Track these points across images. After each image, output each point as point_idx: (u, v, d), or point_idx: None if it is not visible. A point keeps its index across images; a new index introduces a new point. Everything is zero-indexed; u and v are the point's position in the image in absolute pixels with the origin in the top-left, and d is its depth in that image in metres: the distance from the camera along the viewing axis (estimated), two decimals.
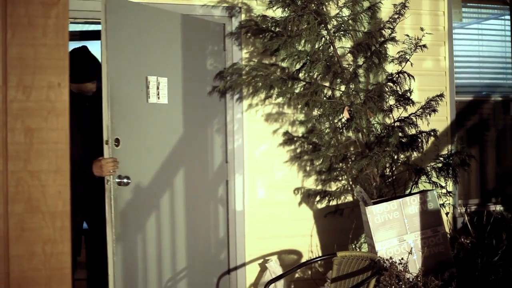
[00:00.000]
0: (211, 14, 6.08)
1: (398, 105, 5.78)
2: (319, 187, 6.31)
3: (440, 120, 6.50)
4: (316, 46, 5.66)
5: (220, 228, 6.11)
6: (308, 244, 6.32)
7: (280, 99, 6.14)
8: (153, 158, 5.43)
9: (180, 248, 5.68)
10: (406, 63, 5.70)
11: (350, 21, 5.69)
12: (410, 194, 5.52)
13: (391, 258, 4.98)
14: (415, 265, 5.17)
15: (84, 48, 5.18)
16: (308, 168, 6.30)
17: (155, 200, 5.50)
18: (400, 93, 5.77)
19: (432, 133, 5.75)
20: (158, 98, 5.41)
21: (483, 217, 6.25)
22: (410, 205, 5.24)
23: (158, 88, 5.40)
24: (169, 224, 5.59)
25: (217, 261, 6.08)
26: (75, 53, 5.04)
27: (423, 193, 5.33)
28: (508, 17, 7.25)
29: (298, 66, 5.77)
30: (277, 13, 5.81)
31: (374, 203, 5.29)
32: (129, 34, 5.23)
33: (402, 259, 4.97)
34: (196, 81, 5.90)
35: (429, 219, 5.27)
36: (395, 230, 5.19)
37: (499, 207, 6.91)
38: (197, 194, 5.90)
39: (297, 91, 5.88)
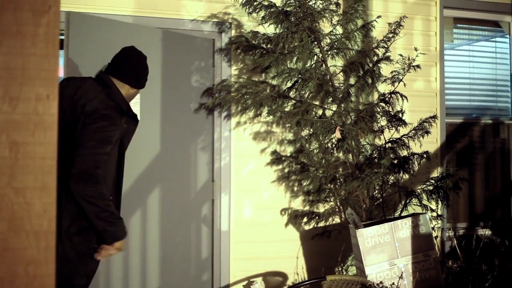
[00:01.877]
0: (200, 29, 5.98)
1: (390, 125, 5.68)
2: (307, 208, 6.19)
3: (431, 142, 6.43)
4: (308, 64, 5.56)
5: (204, 248, 5.97)
6: (294, 266, 6.19)
7: (269, 118, 6.03)
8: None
9: (153, 268, 5.56)
10: (399, 83, 5.61)
11: (343, 39, 5.59)
12: (401, 217, 5.42)
13: (381, 282, 4.86)
14: None
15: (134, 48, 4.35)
16: (295, 189, 6.19)
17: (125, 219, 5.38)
18: (392, 113, 5.67)
19: (425, 155, 5.65)
20: None
21: (471, 241, 6.18)
22: (402, 228, 5.13)
23: None
24: (141, 243, 5.47)
25: (200, 282, 5.93)
26: (134, 51, 4.23)
27: (415, 216, 5.23)
28: (499, 39, 7.21)
29: (289, 84, 5.67)
30: (268, 29, 5.71)
31: (365, 226, 5.18)
32: (96, 49, 5.08)
33: (393, 283, 4.86)
34: (179, 98, 5.79)
35: (421, 243, 5.16)
36: (386, 254, 5.08)
37: (487, 231, 6.83)
38: (178, 213, 5.77)
39: (287, 109, 5.77)
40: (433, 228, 5.72)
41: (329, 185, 5.86)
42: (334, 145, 5.64)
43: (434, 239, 5.28)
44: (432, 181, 5.81)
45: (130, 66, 4.14)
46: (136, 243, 5.48)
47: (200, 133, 5.94)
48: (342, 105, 5.63)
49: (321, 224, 6.13)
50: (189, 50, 5.87)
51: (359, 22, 5.77)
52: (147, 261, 5.62)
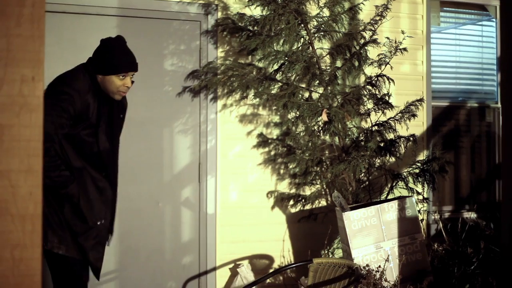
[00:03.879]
0: (186, 11, 5.93)
1: (376, 108, 5.67)
2: (293, 190, 6.18)
3: (417, 125, 6.43)
4: (295, 47, 5.54)
5: (190, 231, 5.95)
6: (281, 249, 6.19)
7: (255, 100, 6.01)
8: None
9: (139, 251, 5.56)
10: (385, 66, 5.59)
11: (330, 22, 5.56)
12: (388, 200, 5.42)
13: (367, 265, 4.86)
14: (392, 273, 5.06)
15: (122, 37, 4.43)
16: (282, 171, 6.17)
17: None
18: (378, 96, 5.66)
19: (411, 138, 5.65)
20: None
21: (457, 224, 6.19)
22: (388, 211, 5.13)
23: None
24: (127, 226, 5.45)
25: (186, 265, 5.92)
26: (113, 40, 4.34)
27: (401, 199, 5.23)
28: (486, 22, 7.21)
29: (275, 67, 5.64)
30: (255, 11, 5.67)
31: (351, 209, 5.17)
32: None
33: (379, 266, 4.86)
34: (164, 80, 5.78)
35: (407, 226, 5.17)
36: (372, 237, 5.08)
37: (472, 214, 6.85)
38: (163, 196, 5.77)
39: (273, 92, 5.75)
40: (419, 211, 5.73)
41: (315, 168, 5.85)
42: (320, 128, 5.63)
43: (420, 222, 5.29)
44: (418, 164, 5.82)
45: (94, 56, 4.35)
46: (123, 225, 5.47)
47: (185, 116, 5.91)
48: (329, 87, 5.61)
49: (308, 207, 6.12)
50: (174, 33, 5.84)
51: (346, 5, 5.75)
52: (133, 243, 5.60)
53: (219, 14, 6.02)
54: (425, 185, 5.72)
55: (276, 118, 6.16)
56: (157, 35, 5.83)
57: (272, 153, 6.16)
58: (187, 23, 5.93)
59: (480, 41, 7.23)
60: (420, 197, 5.91)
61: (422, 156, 6.55)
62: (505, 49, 3.59)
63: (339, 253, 6.01)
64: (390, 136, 5.66)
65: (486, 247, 5.52)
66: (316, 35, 5.58)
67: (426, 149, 6.63)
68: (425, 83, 6.67)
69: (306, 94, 5.79)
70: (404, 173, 5.79)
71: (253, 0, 5.41)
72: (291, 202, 6.13)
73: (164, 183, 5.85)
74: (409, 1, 6.69)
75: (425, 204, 6.25)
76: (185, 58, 5.94)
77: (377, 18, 5.55)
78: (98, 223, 4.20)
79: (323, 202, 6.21)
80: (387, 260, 5.03)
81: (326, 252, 5.95)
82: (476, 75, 7.22)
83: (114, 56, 4.22)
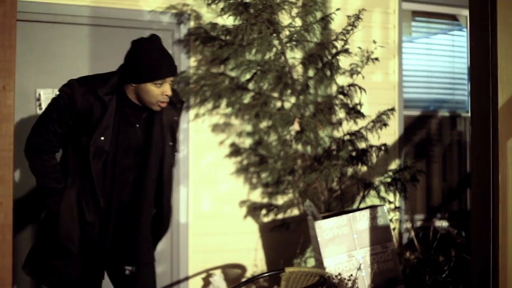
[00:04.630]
0: (159, 20, 5.92)
1: (348, 118, 5.70)
2: (265, 200, 6.19)
3: (389, 134, 6.46)
4: (267, 56, 5.55)
5: (163, 240, 5.92)
6: (253, 258, 6.19)
7: (228, 110, 6.01)
8: None
9: None
10: (357, 75, 5.62)
11: (302, 32, 5.58)
12: (360, 209, 5.43)
13: (340, 274, 4.87)
14: (364, 282, 5.07)
15: (157, 37, 3.93)
16: (254, 181, 6.18)
17: None
18: (350, 106, 5.68)
19: (383, 148, 5.67)
20: None
21: (428, 232, 6.22)
22: (360, 220, 5.15)
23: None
24: None
25: (159, 274, 5.89)
26: (145, 41, 3.86)
27: (373, 208, 5.25)
28: (457, 32, 7.28)
29: (248, 76, 5.65)
30: (228, 21, 5.68)
31: (323, 218, 5.18)
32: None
33: (351, 275, 4.87)
34: None
35: (379, 235, 5.19)
36: (344, 246, 5.09)
37: (444, 223, 6.89)
38: None
39: (246, 101, 5.75)
40: (391, 220, 5.75)
41: (287, 177, 5.86)
42: (292, 137, 5.64)
43: (392, 230, 5.31)
44: (390, 173, 5.84)
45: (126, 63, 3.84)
46: None
47: None
48: (301, 97, 5.63)
49: (280, 216, 6.13)
50: None
51: (318, 15, 5.76)
52: None
53: (192, 24, 6.02)
54: (397, 194, 5.75)
55: (249, 128, 6.16)
56: (129, 44, 5.80)
57: (245, 162, 6.16)
58: (160, 32, 5.88)
59: (451, 50, 7.29)
60: (392, 206, 5.94)
61: (394, 165, 6.59)
62: (474, 59, 3.63)
63: (311, 262, 6.02)
64: (362, 145, 5.68)
65: (457, 255, 5.56)
66: (288, 44, 5.59)
67: (398, 158, 6.67)
68: (397, 93, 6.72)
69: (279, 104, 5.80)
70: (376, 182, 5.82)
71: (225, 10, 5.41)
72: (264, 211, 6.13)
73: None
74: (381, 11, 6.74)
75: (397, 213, 6.28)
76: None
77: (349, 28, 5.56)
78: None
79: (296, 211, 6.22)
80: (359, 268, 5.04)
81: (298, 261, 5.96)
82: (448, 84, 7.28)
83: (149, 59, 3.71)
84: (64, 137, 3.74)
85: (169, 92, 3.73)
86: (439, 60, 7.26)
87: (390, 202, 5.84)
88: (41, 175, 3.68)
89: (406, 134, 6.89)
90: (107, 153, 3.71)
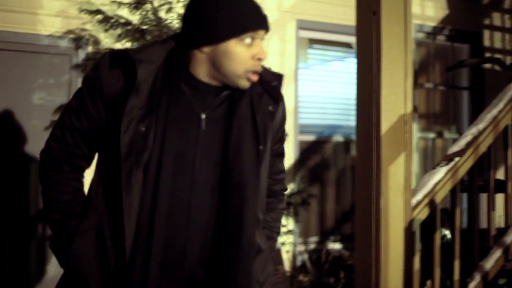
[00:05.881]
0: (56, 44, 5.85)
1: None
2: None
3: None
4: None
5: None
6: None
7: None
8: None
9: None
10: None
11: None
12: None
13: None
14: None
15: None
16: None
17: None
18: None
19: None
20: None
21: (321, 255, 6.34)
22: None
23: None
24: None
25: None
26: None
27: None
28: (351, 59, 7.46)
29: None
30: (126, 45, 5.68)
31: None
32: None
33: None
34: (24, 116, 5.73)
35: None
36: None
37: (337, 245, 7.03)
38: None
39: None
40: (283, 243, 5.84)
41: None
42: None
43: (281, 254, 5.39)
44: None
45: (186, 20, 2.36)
46: None
47: None
48: None
49: None
50: (43, 67, 5.78)
51: None
52: None
53: (90, 48, 5.97)
54: (289, 217, 5.84)
55: None
56: (26, 68, 5.73)
57: None
58: (57, 57, 5.87)
59: (346, 77, 7.46)
60: (285, 229, 6.02)
61: (289, 190, 6.68)
62: (360, 87, 3.76)
63: None
64: None
65: (346, 276, 5.69)
66: None
67: (293, 182, 6.77)
68: (292, 118, 6.82)
69: None
70: None
71: (122, 36, 5.42)
72: None
73: None
74: (279, 39, 6.85)
75: (291, 236, 6.37)
76: (54, 92, 5.85)
77: None
78: None
79: None
80: None
81: None
82: (342, 110, 7.44)
83: (230, 3, 2.26)
84: (88, 141, 2.33)
85: (264, 54, 2.33)
86: (334, 86, 7.43)
87: (283, 226, 5.92)
88: (48, 201, 2.35)
89: (302, 159, 7.01)
90: (148, 160, 2.21)
